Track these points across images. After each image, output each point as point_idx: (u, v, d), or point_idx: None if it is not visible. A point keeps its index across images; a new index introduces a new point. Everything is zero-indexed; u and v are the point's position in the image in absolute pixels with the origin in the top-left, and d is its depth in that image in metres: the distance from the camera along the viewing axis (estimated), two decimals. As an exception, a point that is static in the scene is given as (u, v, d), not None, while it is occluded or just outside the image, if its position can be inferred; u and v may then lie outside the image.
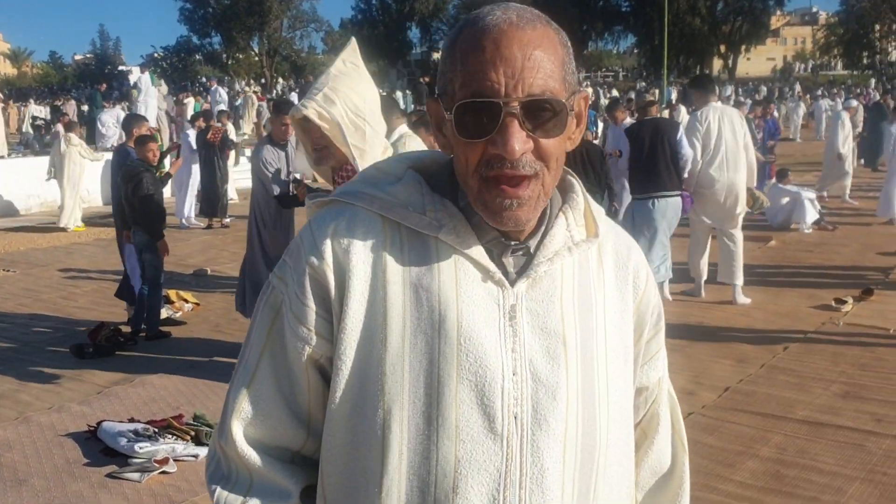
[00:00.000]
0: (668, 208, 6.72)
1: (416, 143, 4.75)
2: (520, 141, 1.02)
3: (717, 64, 67.90)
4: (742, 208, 7.06)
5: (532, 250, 1.12)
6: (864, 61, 65.37)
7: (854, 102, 15.19)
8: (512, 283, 1.10)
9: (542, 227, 1.13)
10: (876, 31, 62.31)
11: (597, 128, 17.03)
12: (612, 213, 6.99)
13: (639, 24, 64.12)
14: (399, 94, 31.12)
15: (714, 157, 6.83)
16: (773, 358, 5.71)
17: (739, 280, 7.17)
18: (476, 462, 1.06)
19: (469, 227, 1.10)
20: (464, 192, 1.11)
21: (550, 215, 1.15)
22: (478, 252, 1.10)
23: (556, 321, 1.11)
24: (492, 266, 1.10)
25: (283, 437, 1.15)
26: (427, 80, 32.67)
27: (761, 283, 7.91)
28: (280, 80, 54.17)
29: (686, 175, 6.81)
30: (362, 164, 2.47)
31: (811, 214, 11.07)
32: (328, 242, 1.10)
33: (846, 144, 13.26)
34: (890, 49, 66.62)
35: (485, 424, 1.06)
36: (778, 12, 71.40)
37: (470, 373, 1.06)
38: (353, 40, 2.69)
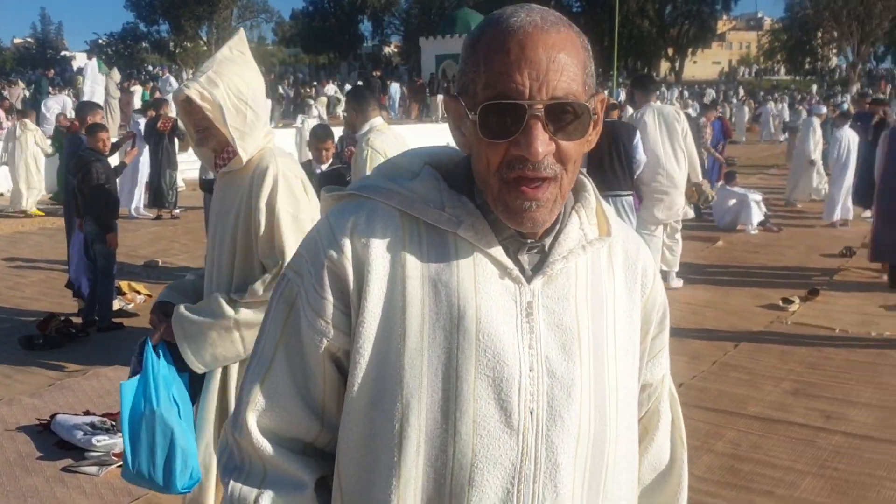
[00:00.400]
0: (621, 208, 6.87)
1: (383, 137, 4.73)
2: (543, 143, 1.03)
3: (665, 66, 69.07)
4: (682, 202, 7.39)
5: (547, 248, 1.14)
6: (807, 67, 67.14)
7: (823, 109, 15.56)
8: (528, 281, 1.12)
9: (557, 226, 1.15)
10: (818, 38, 64.02)
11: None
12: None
13: (589, 24, 64.62)
14: (343, 88, 30.96)
15: (656, 154, 7.08)
16: (724, 355, 5.85)
17: (676, 266, 7.84)
18: (492, 456, 1.08)
19: (486, 224, 1.12)
20: (480, 190, 1.12)
21: (564, 214, 1.16)
22: (496, 249, 1.11)
23: (570, 318, 1.13)
24: (510, 263, 1.11)
25: (297, 429, 1.16)
26: (379, 73, 32.60)
27: (711, 283, 8.10)
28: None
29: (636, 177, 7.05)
30: (242, 146, 2.52)
31: (757, 216, 11.37)
32: (348, 236, 1.10)
33: (817, 150, 13.58)
34: (831, 56, 68.55)
35: (502, 419, 1.08)
36: (724, 17, 72.87)
37: (488, 368, 1.08)
38: (242, 31, 2.72)
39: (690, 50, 67.46)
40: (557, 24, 1.06)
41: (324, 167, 6.16)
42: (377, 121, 4.89)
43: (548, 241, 1.14)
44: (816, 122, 13.71)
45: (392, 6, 67.85)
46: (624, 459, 1.20)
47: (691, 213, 8.93)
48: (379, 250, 1.10)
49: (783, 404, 4.93)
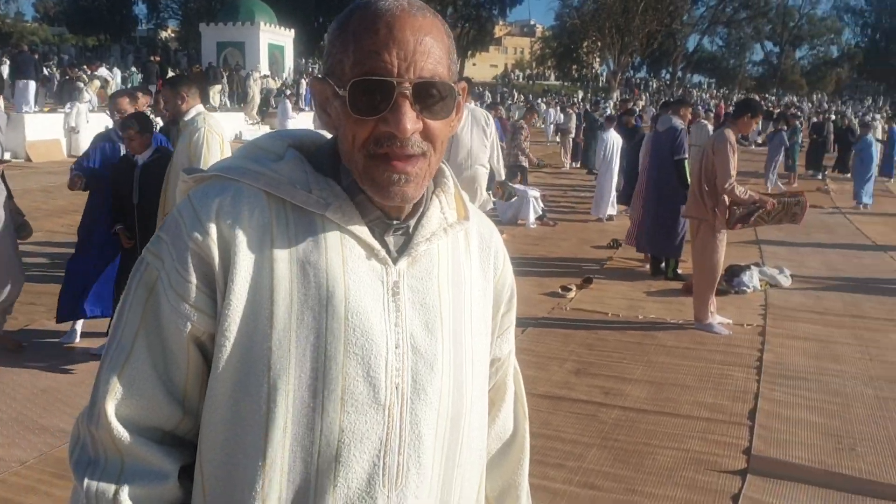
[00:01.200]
0: None
1: (214, 119, 4.90)
2: (411, 120, 1.05)
3: (446, 67, 71.09)
4: (483, 196, 7.74)
5: (411, 230, 1.17)
6: (574, 73, 72.05)
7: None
8: (394, 262, 1.14)
9: (421, 209, 1.18)
10: (584, 47, 68.91)
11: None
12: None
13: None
14: (117, 72, 29.05)
15: (459, 152, 7.40)
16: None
17: None
18: (359, 431, 1.10)
19: (353, 205, 1.13)
20: (346, 172, 1.13)
21: (426, 198, 1.19)
22: (363, 231, 1.13)
23: (433, 297, 1.17)
24: (376, 244, 1.13)
25: (159, 417, 1.13)
26: (158, 59, 30.83)
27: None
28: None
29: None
30: None
31: (535, 211, 12.05)
32: (213, 218, 1.09)
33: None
34: (595, 64, 74.04)
35: (369, 395, 1.10)
36: (501, 22, 76.36)
37: (357, 346, 1.09)
38: None
39: (470, 52, 70.07)
40: (423, 10, 1.10)
41: (144, 156, 5.62)
42: (201, 106, 5.06)
43: (412, 223, 1.17)
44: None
45: (168, -11, 64.52)
46: (476, 429, 1.26)
47: (490, 205, 9.35)
48: (245, 232, 1.09)
49: (568, 383, 5.26)
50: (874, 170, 15.59)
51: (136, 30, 66.70)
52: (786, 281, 8.27)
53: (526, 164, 14.01)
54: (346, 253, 1.12)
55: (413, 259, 1.16)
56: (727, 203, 6.34)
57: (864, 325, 6.86)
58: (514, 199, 12.03)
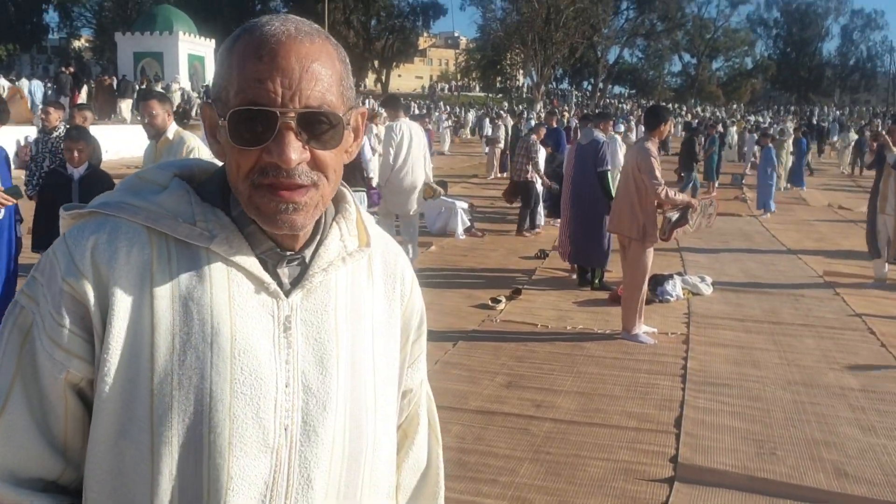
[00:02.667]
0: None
1: (192, 132, 5.09)
2: (296, 151, 1.02)
3: (372, 78, 71.15)
4: (420, 199, 8.72)
5: (308, 260, 1.13)
6: (498, 85, 72.87)
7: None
8: (287, 294, 1.10)
9: (317, 237, 1.14)
10: (507, 58, 69.78)
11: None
12: None
13: (297, 31, 64.85)
14: (34, 83, 28.08)
15: (406, 160, 8.35)
16: (445, 354, 6.15)
17: (416, 255, 8.95)
18: (247, 476, 1.06)
19: (242, 237, 1.09)
20: (236, 202, 1.09)
21: (325, 225, 1.15)
22: (251, 263, 1.08)
23: (329, 331, 1.12)
24: (266, 277, 1.09)
25: (38, 468, 1.07)
26: (71, 70, 29.87)
27: (428, 285, 8.40)
28: None
29: (372, 175, 8.20)
30: None
31: (463, 223, 12.12)
32: (87, 257, 1.04)
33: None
34: (519, 76, 75.03)
35: (258, 438, 1.06)
36: (425, 34, 76.75)
37: (245, 386, 1.05)
38: None
39: (395, 63, 70.21)
40: (312, 35, 1.06)
41: (80, 170, 5.53)
42: (174, 125, 5.54)
43: (308, 252, 1.13)
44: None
45: (83, -4, 62.71)
46: (383, 465, 1.22)
47: (414, 207, 9.72)
48: (123, 271, 1.04)
49: (499, 397, 5.29)
50: (774, 178, 16.21)
51: (46, 39, 64.55)
52: (707, 289, 8.51)
53: (538, 185, 12.32)
54: (232, 287, 1.07)
55: (307, 291, 1.12)
56: (657, 215, 6.50)
57: (781, 330, 7.11)
58: (442, 210, 12.09)
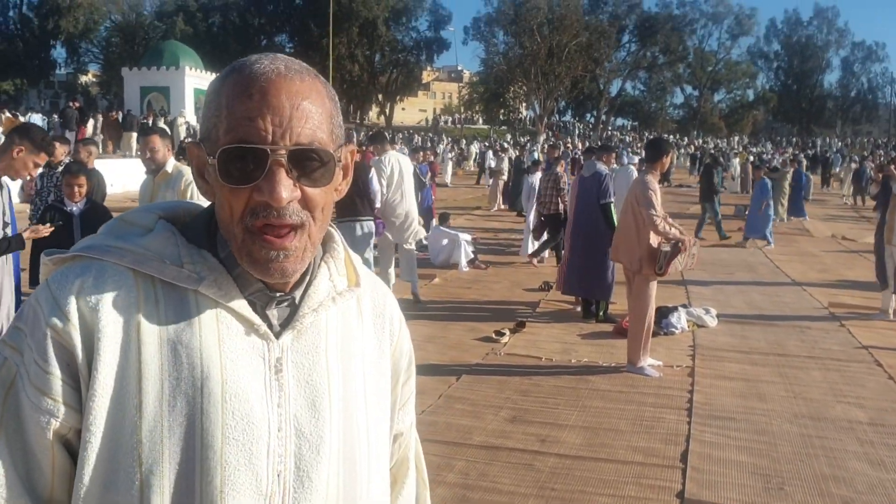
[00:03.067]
0: (360, 230, 8.18)
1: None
2: (287, 188, 1.00)
3: (375, 111, 71.70)
4: (418, 228, 9.23)
5: (297, 301, 1.11)
6: (501, 117, 73.32)
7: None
8: (277, 336, 1.08)
9: (307, 278, 1.12)
10: (510, 91, 70.31)
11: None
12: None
13: (301, 65, 65.61)
14: (35, 118, 28.32)
15: (396, 191, 8.79)
16: (448, 388, 6.10)
17: (415, 284, 9.42)
18: None
19: (230, 279, 1.07)
20: (223, 243, 1.08)
21: (314, 265, 1.14)
22: (241, 305, 1.06)
23: (321, 373, 1.10)
24: (256, 319, 1.07)
25: None
26: (77, 105, 30.14)
27: (430, 318, 8.44)
28: None
29: (378, 205, 8.56)
30: None
31: (466, 255, 12.11)
32: (73, 302, 1.01)
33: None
34: (521, 108, 75.56)
35: (251, 485, 1.03)
36: (429, 68, 77.44)
37: (237, 431, 1.03)
38: None
39: (399, 97, 70.78)
40: (301, 73, 1.06)
41: (79, 205, 5.56)
42: (173, 159, 5.63)
43: (298, 293, 1.11)
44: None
45: (90, 33, 63.46)
46: None
47: (423, 233, 10.32)
48: (109, 315, 1.01)
49: (504, 432, 5.24)
50: (772, 210, 16.19)
51: (54, 74, 65.26)
52: (712, 321, 8.47)
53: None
54: (222, 330, 1.05)
55: (298, 332, 1.10)
56: (653, 250, 6.48)
57: (787, 363, 7.06)
58: (445, 243, 12.09)
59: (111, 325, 1.01)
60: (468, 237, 12.45)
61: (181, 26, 58.48)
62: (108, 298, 1.02)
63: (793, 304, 9.87)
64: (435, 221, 13.25)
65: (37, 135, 4.51)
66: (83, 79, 67.36)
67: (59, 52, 64.90)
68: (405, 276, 9.34)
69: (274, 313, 1.09)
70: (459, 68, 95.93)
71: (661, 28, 72.26)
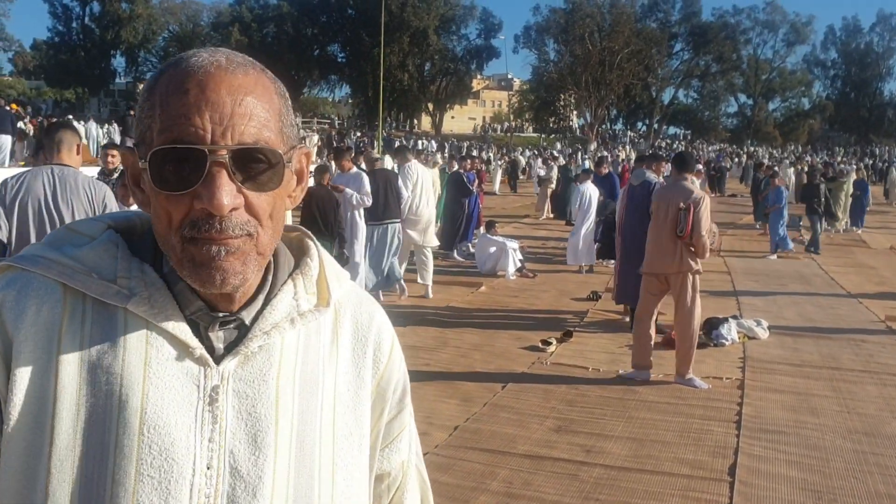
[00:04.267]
0: (392, 232, 9.27)
1: None
2: (229, 194, 0.90)
3: (426, 120, 72.05)
4: (433, 231, 10.36)
5: (248, 322, 0.99)
6: (552, 126, 73.06)
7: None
8: (217, 361, 0.97)
9: (261, 296, 1.01)
10: (561, 100, 70.05)
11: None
12: (342, 259, 7.66)
13: (353, 75, 66.34)
14: (90, 124, 29.10)
15: (421, 196, 9.95)
16: (493, 396, 6.11)
17: (430, 281, 10.12)
18: None
19: (170, 295, 0.96)
20: (167, 257, 0.97)
21: (275, 283, 1.03)
22: (175, 325, 0.95)
23: (267, 404, 0.98)
24: (193, 341, 0.96)
25: None
26: (134, 113, 30.94)
27: (477, 326, 8.45)
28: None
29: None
30: None
31: (514, 263, 12.09)
32: None
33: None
34: (572, 116, 75.22)
35: None
36: (479, 76, 77.58)
37: (153, 468, 0.92)
38: None
39: (448, 105, 71.03)
40: (245, 66, 0.95)
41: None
42: None
43: (247, 314, 0.99)
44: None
45: (148, 42, 65.15)
46: None
47: (435, 242, 10.93)
48: (30, 332, 0.93)
49: (549, 441, 5.22)
50: (783, 218, 15.81)
51: (114, 82, 67.09)
52: (763, 333, 8.32)
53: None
54: (150, 352, 0.94)
55: (244, 357, 0.98)
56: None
57: (841, 376, 6.90)
58: (493, 250, 12.09)
59: (30, 342, 0.93)
60: (515, 245, 12.43)
61: (236, 37, 59.62)
62: (29, 314, 0.93)
63: (848, 317, 9.64)
64: (482, 229, 13.27)
65: None
66: (141, 87, 69.09)
67: (118, 62, 66.83)
68: (424, 279, 10.11)
69: (219, 335, 0.98)
70: (509, 76, 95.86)
71: (715, 36, 71.28)
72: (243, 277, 0.94)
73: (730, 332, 8.06)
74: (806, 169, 28.15)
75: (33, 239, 4.23)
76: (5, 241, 4.28)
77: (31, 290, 0.95)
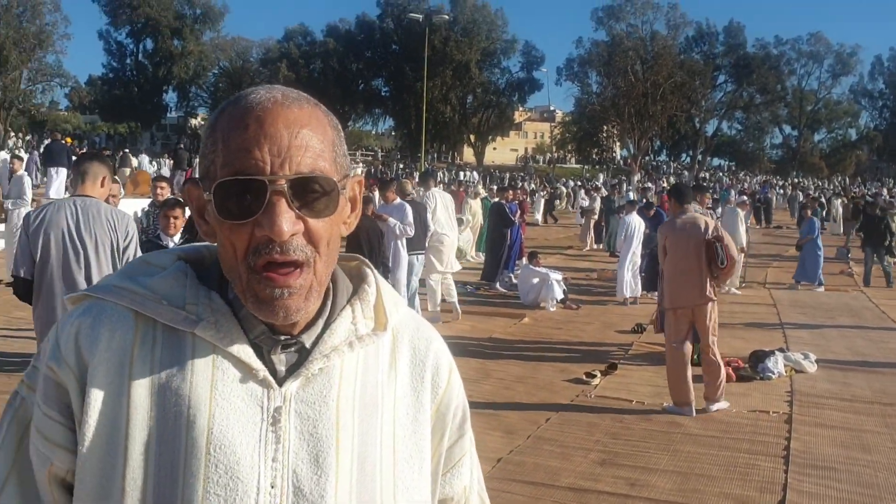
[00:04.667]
0: (417, 262, 9.74)
1: None
2: (288, 221, 0.95)
3: (468, 151, 72.46)
4: (454, 257, 10.71)
5: (308, 345, 1.04)
6: (594, 157, 72.88)
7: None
8: (280, 383, 1.01)
9: (321, 321, 1.05)
10: (604, 131, 69.93)
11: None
12: None
13: (397, 108, 67.15)
14: (141, 157, 29.85)
15: (441, 222, 10.36)
16: (537, 429, 6.10)
17: (455, 298, 10.52)
18: None
19: (235, 321, 1.02)
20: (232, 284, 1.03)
21: (335, 308, 1.07)
22: (240, 349, 1.00)
23: (328, 425, 1.01)
24: (257, 363, 1.00)
25: None
26: (186, 146, 31.72)
27: (520, 358, 8.45)
28: (13, 134, 49.64)
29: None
30: None
31: (558, 294, 12.05)
32: (71, 342, 0.99)
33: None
34: (615, 148, 74.99)
35: None
36: (520, 108, 77.84)
37: (219, 486, 0.96)
38: None
39: (490, 137, 71.36)
40: (300, 101, 1.01)
41: (175, 238, 5.98)
42: None
43: (308, 337, 1.04)
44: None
45: (199, 78, 66.79)
46: None
47: (458, 267, 11.18)
48: (103, 357, 0.99)
49: (593, 474, 5.20)
50: (820, 250, 15.53)
51: (165, 117, 68.85)
52: (811, 367, 8.19)
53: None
54: (216, 375, 0.99)
55: (305, 380, 1.02)
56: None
57: (894, 412, 6.76)
58: (535, 281, 12.09)
59: (104, 366, 0.98)
60: (559, 276, 12.40)
61: (284, 72, 60.79)
62: (102, 340, 0.99)
63: (900, 352, 9.43)
64: (524, 260, 13.27)
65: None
66: (192, 122, 70.77)
67: (170, 97, 68.65)
68: (450, 299, 10.49)
69: (281, 358, 1.03)
70: (552, 108, 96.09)
71: (758, 67, 70.69)
72: (305, 312, 1.00)
73: (776, 365, 7.94)
74: (865, 200, 27.62)
75: (57, 269, 4.35)
76: (28, 276, 4.35)
77: (104, 317, 1.00)
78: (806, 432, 6.16)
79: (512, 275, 14.01)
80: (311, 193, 0.97)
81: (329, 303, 1.07)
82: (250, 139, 0.96)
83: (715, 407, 6.60)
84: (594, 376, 7.69)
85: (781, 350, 8.51)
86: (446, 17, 55.70)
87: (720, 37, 73.25)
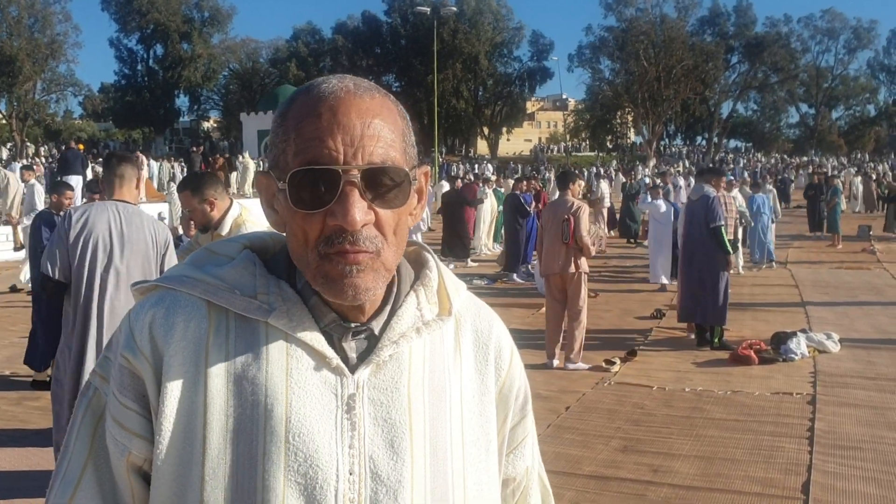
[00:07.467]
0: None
1: (253, 217, 4.40)
2: (361, 211, 0.95)
3: (482, 143, 72.34)
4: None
5: (377, 332, 1.04)
6: (608, 144, 72.56)
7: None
8: (352, 370, 1.01)
9: (387, 307, 1.05)
10: (617, 118, 69.59)
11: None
12: None
13: (409, 103, 67.14)
14: (152, 162, 30.02)
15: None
16: (557, 418, 6.07)
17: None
18: None
19: (305, 309, 1.02)
20: (301, 272, 1.03)
21: (399, 294, 1.07)
22: (313, 337, 1.00)
23: (401, 411, 1.01)
24: (329, 352, 1.00)
25: None
26: (200, 149, 31.84)
27: (538, 347, 8.38)
28: (31, 144, 50.05)
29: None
30: None
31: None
32: (146, 332, 1.00)
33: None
34: (629, 133, 74.61)
35: None
36: (532, 98, 77.61)
37: (299, 474, 0.96)
38: None
39: (504, 128, 71.19)
40: (371, 91, 1.01)
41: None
42: (237, 206, 4.47)
43: (376, 324, 1.04)
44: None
45: (210, 81, 67.05)
46: None
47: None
48: (178, 346, 0.99)
49: (614, 461, 5.16)
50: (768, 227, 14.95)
51: (178, 121, 69.19)
52: (834, 347, 8.09)
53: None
54: (291, 363, 0.99)
55: (376, 366, 1.02)
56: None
57: (919, 389, 6.67)
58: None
59: (179, 356, 0.99)
60: (577, 266, 12.30)
61: (294, 71, 60.97)
62: (177, 329, 0.99)
63: (925, 328, 9.31)
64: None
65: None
66: (205, 125, 71.12)
67: (181, 101, 68.94)
68: None
69: (351, 346, 1.03)
70: (564, 97, 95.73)
71: (770, 46, 69.94)
72: (373, 291, 0.99)
73: (799, 346, 7.86)
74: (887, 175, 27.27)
75: (96, 274, 4.16)
76: (62, 279, 4.14)
77: (178, 307, 1.01)
78: (830, 412, 6.08)
79: (529, 265, 13.95)
80: (383, 184, 0.97)
81: (394, 290, 1.07)
82: (323, 128, 0.96)
83: (571, 366, 7.49)
84: (614, 363, 7.64)
85: (804, 331, 8.42)
86: (454, 8, 55.51)
87: (731, 17, 72.58)
